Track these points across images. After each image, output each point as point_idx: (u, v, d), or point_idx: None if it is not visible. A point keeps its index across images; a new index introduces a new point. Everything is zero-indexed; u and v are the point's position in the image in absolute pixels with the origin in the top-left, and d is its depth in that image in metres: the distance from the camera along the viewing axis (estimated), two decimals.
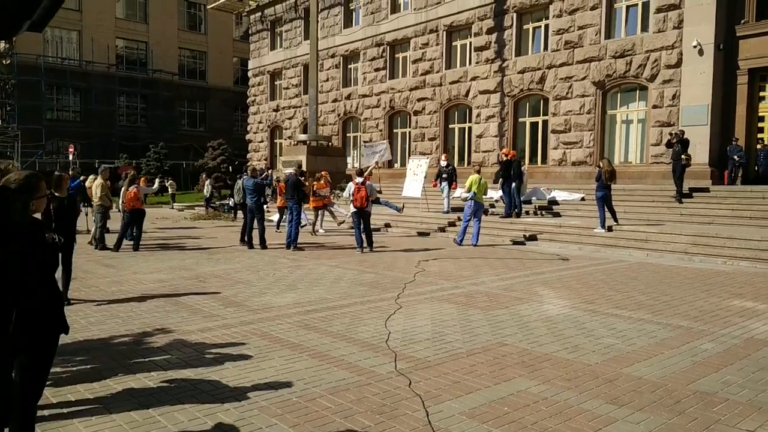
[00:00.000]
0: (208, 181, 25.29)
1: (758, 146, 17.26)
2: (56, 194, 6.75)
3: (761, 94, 17.65)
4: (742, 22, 17.36)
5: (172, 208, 28.05)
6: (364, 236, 12.41)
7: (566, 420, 3.79)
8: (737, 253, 11.04)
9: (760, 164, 17.12)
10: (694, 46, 17.33)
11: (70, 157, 32.16)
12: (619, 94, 19.98)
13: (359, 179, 12.65)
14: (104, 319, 6.40)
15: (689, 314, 6.75)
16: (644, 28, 18.99)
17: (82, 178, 16.29)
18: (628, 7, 19.59)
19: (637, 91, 19.43)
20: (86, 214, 15.17)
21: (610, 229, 13.43)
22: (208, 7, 39.93)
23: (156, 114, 43.27)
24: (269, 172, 20.47)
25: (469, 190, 13.30)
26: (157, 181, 22.82)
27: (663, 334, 5.88)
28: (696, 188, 15.98)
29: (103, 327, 6.05)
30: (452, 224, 16.07)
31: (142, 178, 15.01)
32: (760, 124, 17.74)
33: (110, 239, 12.74)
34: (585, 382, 4.48)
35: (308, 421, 3.76)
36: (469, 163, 23.01)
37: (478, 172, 13.92)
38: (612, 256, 11.90)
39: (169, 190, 28.41)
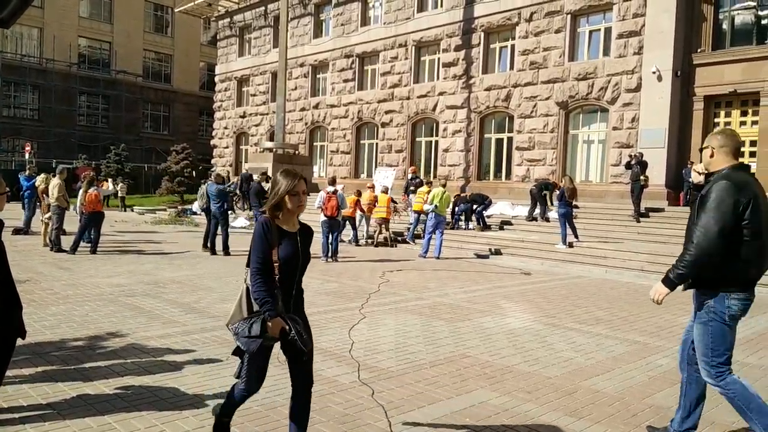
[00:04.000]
0: (121, 184, 26.33)
1: None
2: (282, 228, 3.15)
3: (716, 120, 18.37)
4: (699, 50, 18.08)
5: (123, 210, 27.47)
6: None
7: (527, 430, 3.84)
8: None
9: None
10: (653, 72, 17.96)
11: (27, 156, 31.17)
12: (581, 115, 20.52)
13: (330, 188, 12.66)
14: (58, 323, 6.20)
15: (646, 330, 6.94)
16: (606, 52, 19.59)
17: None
18: (591, 31, 20.19)
19: (599, 112, 19.99)
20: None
21: (571, 245, 13.72)
22: (176, 10, 39.43)
23: (118, 115, 42.39)
24: (236, 179, 20.33)
25: (431, 203, 13.46)
26: (110, 182, 22.37)
27: (620, 349, 6.02)
28: (652, 208, 16.47)
29: (57, 331, 5.86)
30: (418, 236, 16.14)
31: (104, 182, 14.65)
32: None
33: (66, 241, 12.37)
34: (545, 395, 4.55)
35: (269, 430, 3.72)
36: (434, 176, 23.22)
37: (444, 186, 14.25)
38: (572, 271, 12.14)
39: (119, 193, 27.77)
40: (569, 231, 13.82)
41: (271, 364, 4.96)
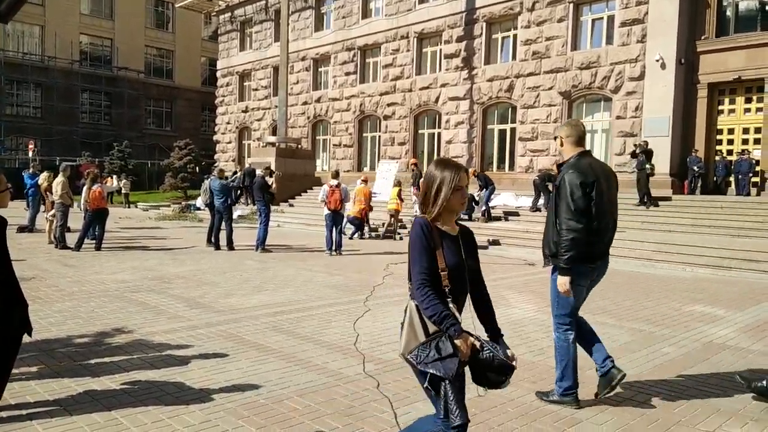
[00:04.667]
0: (124, 181, 27.49)
1: (716, 158, 17.85)
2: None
3: (720, 107, 18.27)
4: (703, 37, 17.95)
5: (128, 207, 27.60)
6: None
7: (532, 421, 3.85)
8: (696, 260, 11.38)
9: (718, 175, 17.71)
10: (657, 60, 17.84)
11: (30, 154, 31.26)
12: (584, 105, 20.41)
13: (334, 182, 12.66)
14: (64, 319, 6.23)
15: (650, 319, 6.92)
16: (609, 41, 19.47)
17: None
18: (594, 20, 20.06)
19: (602, 102, 19.89)
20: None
21: None
22: (177, 5, 39.37)
23: (120, 112, 42.41)
24: (239, 174, 20.31)
25: None
26: (115, 178, 22.49)
27: (625, 338, 6.01)
28: (657, 197, 16.41)
29: (63, 327, 5.89)
30: None
31: (108, 179, 14.68)
32: (718, 137, 18.35)
33: (70, 238, 12.41)
34: (550, 384, 4.53)
35: (275, 423, 3.72)
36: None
37: None
38: None
39: (123, 189, 27.88)
40: None
41: (270, 356, 4.99)
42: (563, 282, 3.97)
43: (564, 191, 3.91)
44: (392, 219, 15.95)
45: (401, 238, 15.66)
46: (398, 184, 16.57)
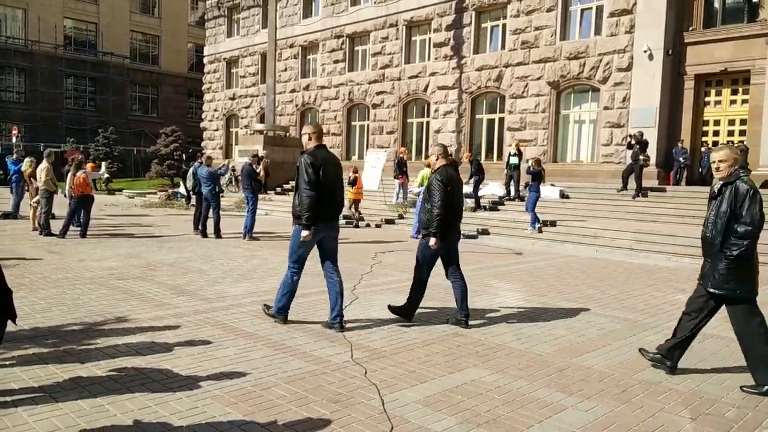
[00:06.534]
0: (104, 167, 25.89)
1: (702, 149, 17.97)
2: None
3: (706, 99, 18.38)
4: (690, 29, 18.02)
5: (111, 194, 27.33)
6: None
7: (518, 408, 3.88)
8: (680, 250, 11.50)
9: (703, 166, 17.85)
10: (645, 51, 17.90)
11: (14, 140, 30.82)
12: (572, 95, 20.47)
13: None
14: (50, 306, 6.17)
15: (635, 307, 7.00)
16: (597, 31, 19.49)
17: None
18: (582, 10, 20.06)
19: (590, 92, 19.95)
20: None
21: (540, 230, 13.71)
22: None
23: (105, 98, 41.85)
24: (227, 162, 20.11)
25: (420, 185, 13.55)
26: (103, 165, 22.22)
27: (611, 326, 6.08)
28: (647, 188, 16.54)
29: (48, 314, 5.84)
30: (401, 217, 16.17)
31: (90, 164, 14.51)
32: (704, 128, 18.48)
33: (55, 225, 12.28)
34: (536, 372, 4.60)
35: (263, 409, 3.72)
36: (426, 158, 23.13)
37: (428, 166, 14.33)
38: (563, 251, 12.20)
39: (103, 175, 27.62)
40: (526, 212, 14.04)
41: (258, 343, 4.98)
42: (306, 234, 5.35)
43: (301, 170, 5.31)
44: (351, 208, 16.03)
45: (367, 225, 15.81)
46: (355, 171, 16.73)
